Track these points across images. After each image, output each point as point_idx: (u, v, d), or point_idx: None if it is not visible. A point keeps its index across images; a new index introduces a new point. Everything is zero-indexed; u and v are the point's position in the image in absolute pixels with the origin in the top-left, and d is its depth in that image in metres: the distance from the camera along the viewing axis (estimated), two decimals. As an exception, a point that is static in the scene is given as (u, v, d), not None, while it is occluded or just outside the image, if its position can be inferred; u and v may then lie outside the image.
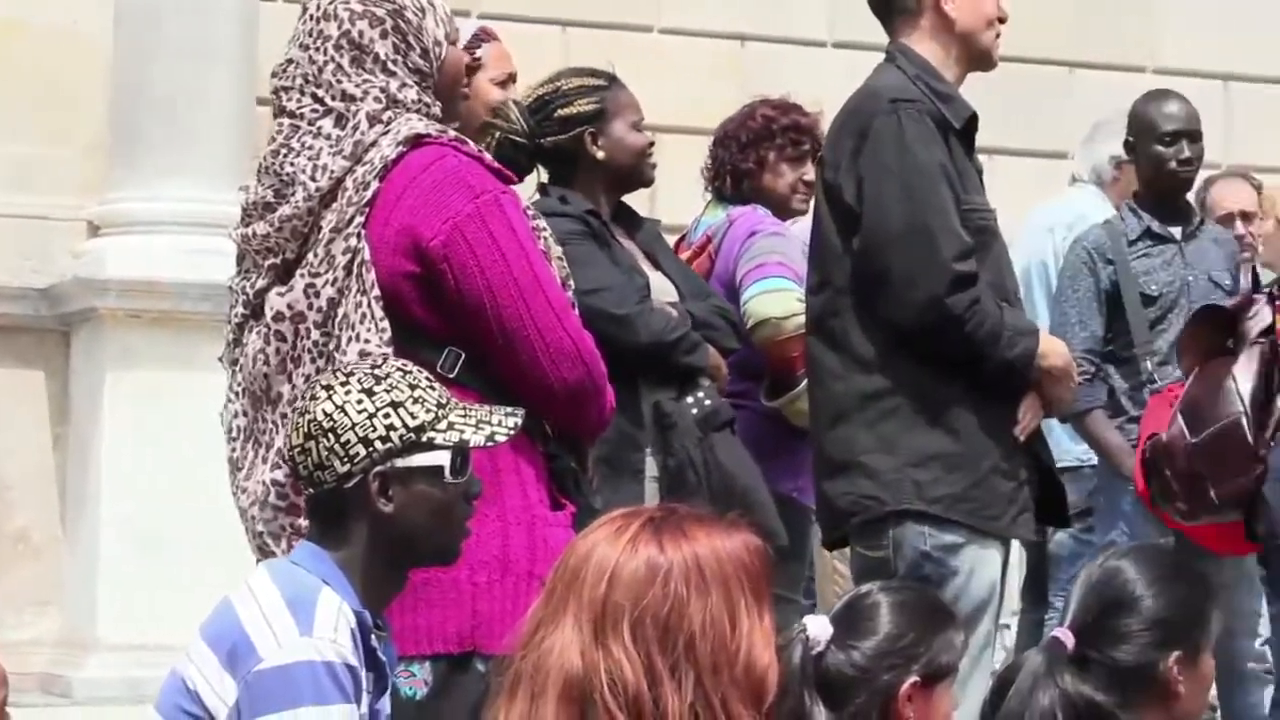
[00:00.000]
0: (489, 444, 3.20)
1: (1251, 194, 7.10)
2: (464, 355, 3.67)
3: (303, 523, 3.46)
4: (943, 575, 4.38)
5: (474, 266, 3.64)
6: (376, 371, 3.19)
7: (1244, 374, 5.34)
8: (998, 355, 4.43)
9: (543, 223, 3.92)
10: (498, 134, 4.87)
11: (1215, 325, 5.50)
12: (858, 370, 4.50)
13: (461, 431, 3.17)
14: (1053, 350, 4.56)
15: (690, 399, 4.97)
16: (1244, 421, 5.30)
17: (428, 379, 3.22)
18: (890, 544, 4.45)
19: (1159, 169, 6.02)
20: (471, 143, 3.79)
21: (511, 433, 3.23)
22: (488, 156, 3.82)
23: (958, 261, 4.40)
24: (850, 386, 4.51)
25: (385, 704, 3.21)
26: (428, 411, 3.15)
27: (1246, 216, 7.01)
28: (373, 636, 3.15)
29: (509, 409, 3.27)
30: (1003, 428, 4.48)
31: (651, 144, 5.13)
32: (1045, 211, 7.26)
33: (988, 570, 4.46)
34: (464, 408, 3.21)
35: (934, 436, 4.43)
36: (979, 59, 4.68)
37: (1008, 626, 7.88)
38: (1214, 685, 6.19)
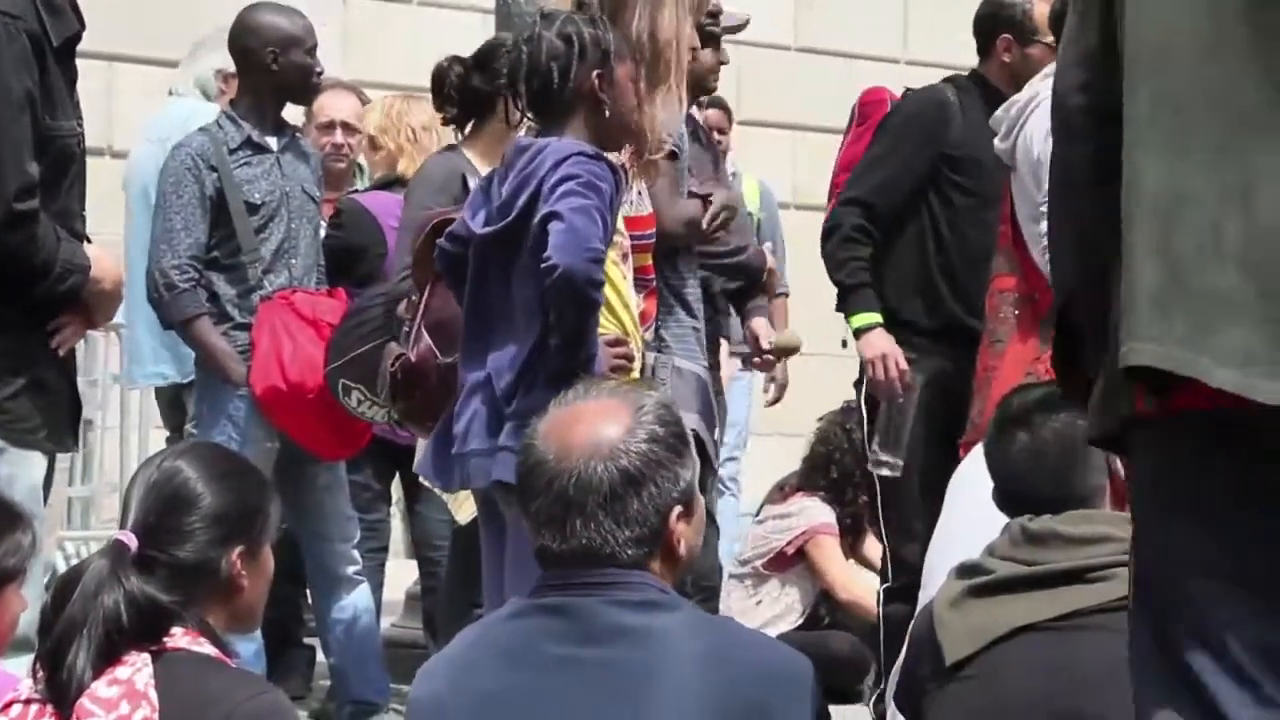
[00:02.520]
0: None
1: (356, 105, 7.23)
2: None
3: None
4: None
5: None
6: None
7: None
8: (47, 287, 4.40)
9: None
10: None
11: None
12: None
13: None
14: (106, 275, 4.55)
15: None
16: None
17: None
18: None
19: (306, 79, 6.11)
20: None
21: None
22: None
23: (19, 199, 4.31)
24: None
25: None
26: None
27: (348, 127, 7.15)
28: None
29: None
30: (41, 342, 4.45)
31: None
32: (153, 124, 7.24)
33: (28, 476, 4.42)
34: None
35: None
36: None
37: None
38: (310, 593, 6.37)
